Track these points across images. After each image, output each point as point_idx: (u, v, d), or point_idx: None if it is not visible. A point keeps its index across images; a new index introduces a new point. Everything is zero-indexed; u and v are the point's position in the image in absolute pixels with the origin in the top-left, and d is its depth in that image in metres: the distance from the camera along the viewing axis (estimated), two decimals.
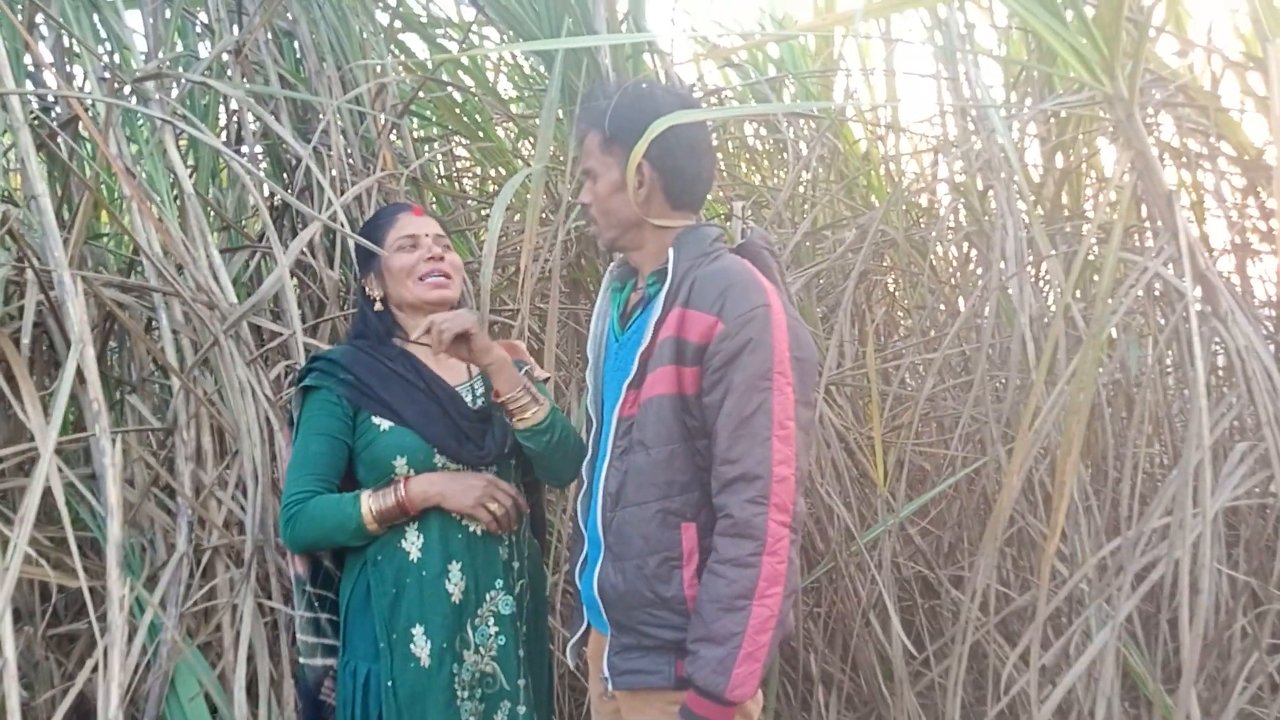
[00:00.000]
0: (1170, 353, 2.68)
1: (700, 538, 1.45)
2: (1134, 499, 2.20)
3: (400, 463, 1.67)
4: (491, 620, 1.71)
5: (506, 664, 1.71)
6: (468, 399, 1.77)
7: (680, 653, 1.44)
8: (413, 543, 1.67)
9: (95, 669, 1.63)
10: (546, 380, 1.88)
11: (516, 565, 1.76)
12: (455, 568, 1.68)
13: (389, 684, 1.63)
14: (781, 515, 1.38)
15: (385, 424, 1.69)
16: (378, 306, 1.79)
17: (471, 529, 1.70)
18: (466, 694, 1.66)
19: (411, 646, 1.64)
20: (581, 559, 1.63)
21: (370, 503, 1.63)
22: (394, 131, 2.68)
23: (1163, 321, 2.60)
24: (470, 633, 1.68)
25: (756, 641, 1.36)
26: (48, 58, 2.30)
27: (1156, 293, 2.46)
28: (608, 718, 1.64)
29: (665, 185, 1.53)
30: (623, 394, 1.50)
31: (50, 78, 2.21)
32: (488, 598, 1.71)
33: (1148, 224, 2.68)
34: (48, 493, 1.63)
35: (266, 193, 2.51)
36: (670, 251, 1.52)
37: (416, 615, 1.65)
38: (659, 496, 1.45)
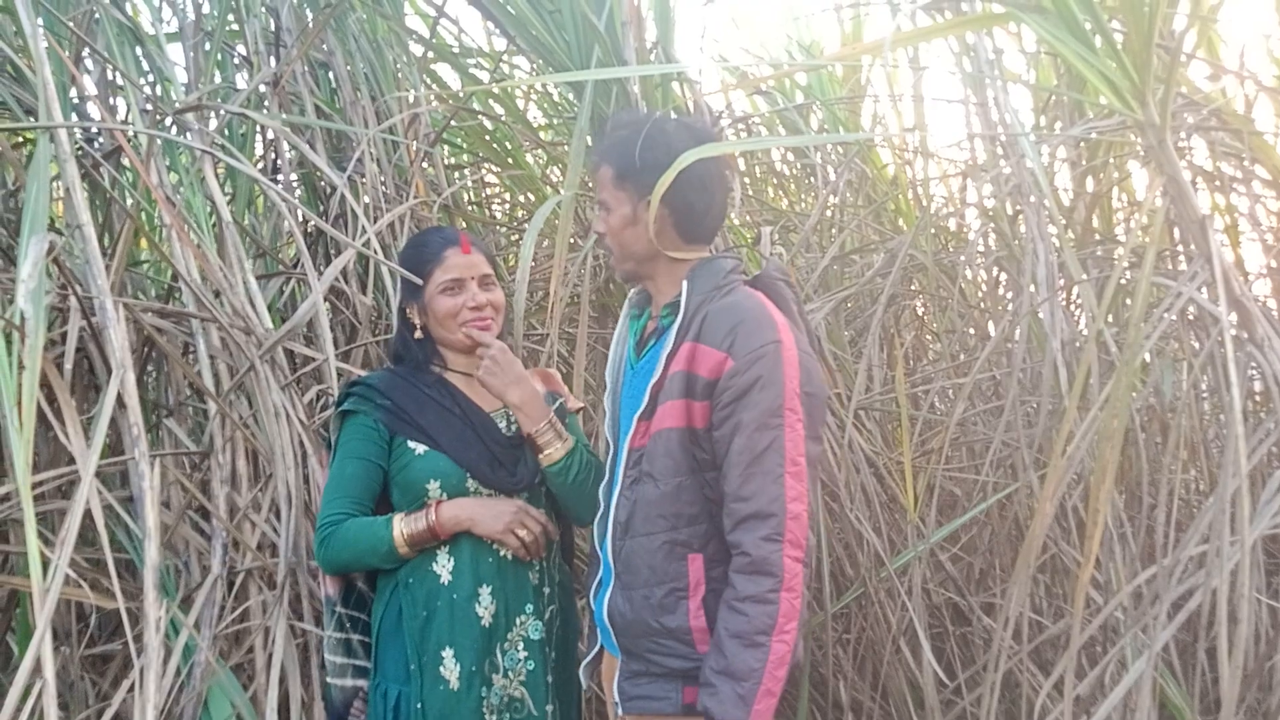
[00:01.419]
0: (1206, 378, 2.64)
1: (707, 569, 1.47)
2: (1170, 526, 2.17)
3: (434, 487, 1.69)
4: (521, 645, 1.71)
5: (534, 689, 1.71)
6: (501, 425, 1.79)
7: (687, 680, 1.45)
8: (444, 566, 1.69)
9: (130, 689, 1.65)
10: (579, 411, 1.89)
11: (547, 591, 1.77)
12: (486, 591, 1.69)
13: (418, 706, 1.64)
14: (796, 551, 1.40)
15: (420, 448, 1.71)
16: (418, 334, 1.81)
17: (502, 554, 1.72)
18: (495, 718, 1.67)
19: (441, 669, 1.65)
20: (596, 582, 1.65)
21: (402, 526, 1.65)
22: (426, 159, 2.73)
23: (1197, 346, 2.57)
24: (500, 657, 1.69)
25: (775, 676, 1.37)
26: (92, 90, 2.37)
27: (1191, 317, 2.44)
28: None
29: (676, 221, 1.55)
30: (634, 425, 1.52)
31: (94, 110, 2.27)
32: (518, 622, 1.72)
33: (1181, 248, 2.66)
34: (87, 515, 1.66)
35: (301, 220, 2.55)
36: (684, 284, 1.54)
37: (446, 638, 1.66)
38: (666, 528, 1.47)
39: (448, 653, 1.66)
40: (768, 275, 1.60)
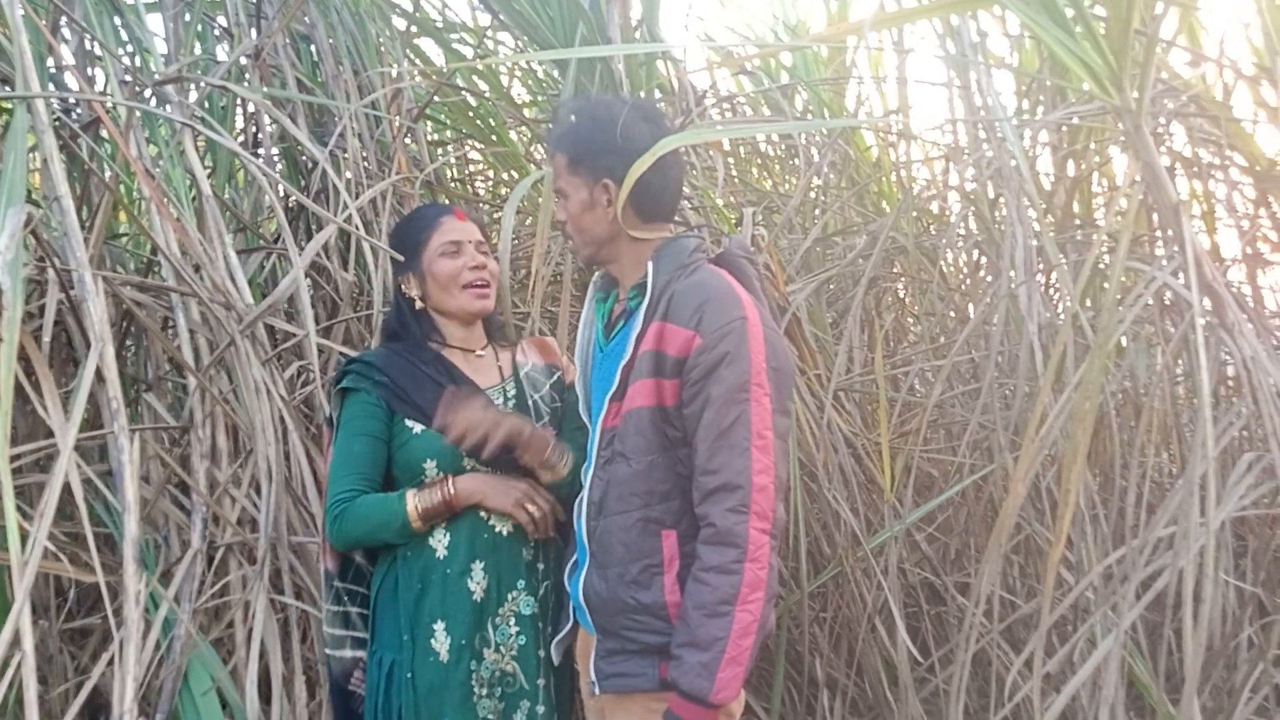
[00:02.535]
0: (1179, 362, 2.68)
1: (681, 544, 1.49)
2: (1141, 508, 2.20)
3: (430, 465, 1.71)
4: (513, 620, 1.73)
5: (526, 664, 1.73)
6: (499, 401, 1.80)
7: (663, 656, 1.47)
8: (440, 540, 1.71)
9: (110, 663, 1.66)
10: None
11: (541, 566, 1.79)
12: (478, 567, 1.71)
13: (408, 675, 1.67)
14: (762, 523, 1.42)
15: (418, 427, 1.72)
16: (418, 305, 1.82)
17: (498, 529, 1.74)
18: (485, 691, 1.69)
19: (432, 641, 1.68)
20: (571, 563, 1.67)
21: (415, 501, 1.67)
22: (409, 135, 2.71)
23: (1171, 330, 2.60)
24: (491, 631, 1.72)
25: (740, 646, 1.39)
26: (70, 60, 2.34)
27: (1166, 302, 2.47)
28: (595, 715, 1.67)
29: (633, 200, 1.55)
30: (605, 406, 1.54)
31: (73, 80, 2.24)
32: (509, 598, 1.74)
33: (1157, 233, 2.69)
34: (66, 488, 1.66)
35: (282, 194, 2.54)
36: (649, 265, 1.55)
37: (439, 611, 1.69)
38: (640, 506, 1.49)
39: (439, 625, 1.68)
40: (730, 253, 1.62)
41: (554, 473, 1.71)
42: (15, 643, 1.39)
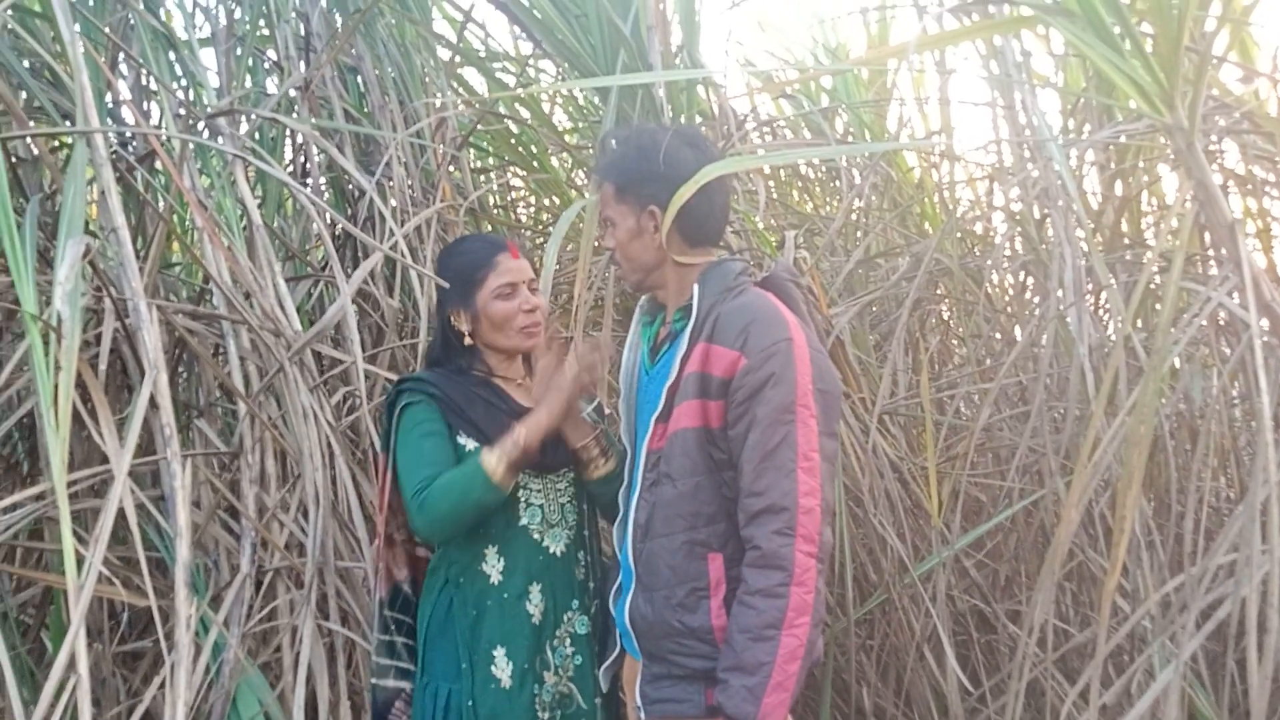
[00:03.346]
0: (1236, 384, 2.61)
1: (727, 568, 1.48)
2: (1199, 534, 2.14)
3: None
4: (569, 641, 1.74)
5: (583, 684, 1.74)
6: None
7: (709, 682, 1.46)
8: (494, 566, 1.71)
9: (161, 686, 1.68)
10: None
11: (592, 585, 1.80)
12: (535, 589, 1.72)
13: (469, 704, 1.66)
14: (808, 546, 1.40)
15: (470, 444, 1.73)
16: (467, 341, 1.83)
17: (552, 550, 1.75)
18: (548, 715, 1.69)
19: (493, 668, 1.67)
20: (615, 587, 1.66)
21: (488, 454, 1.63)
22: (453, 163, 2.75)
23: (1227, 352, 2.54)
24: (549, 653, 1.72)
25: (786, 671, 1.38)
26: (127, 95, 2.41)
27: (1221, 323, 2.41)
28: None
29: (679, 225, 1.56)
30: (651, 427, 1.54)
31: (129, 114, 2.31)
32: (565, 618, 1.74)
33: (1211, 253, 2.63)
34: (120, 513, 1.69)
35: (330, 223, 2.58)
36: (695, 288, 1.56)
37: (498, 637, 1.68)
38: (685, 528, 1.48)
39: (499, 651, 1.68)
40: (776, 276, 1.63)
41: (592, 466, 1.72)
42: (71, 665, 1.41)
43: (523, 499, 1.76)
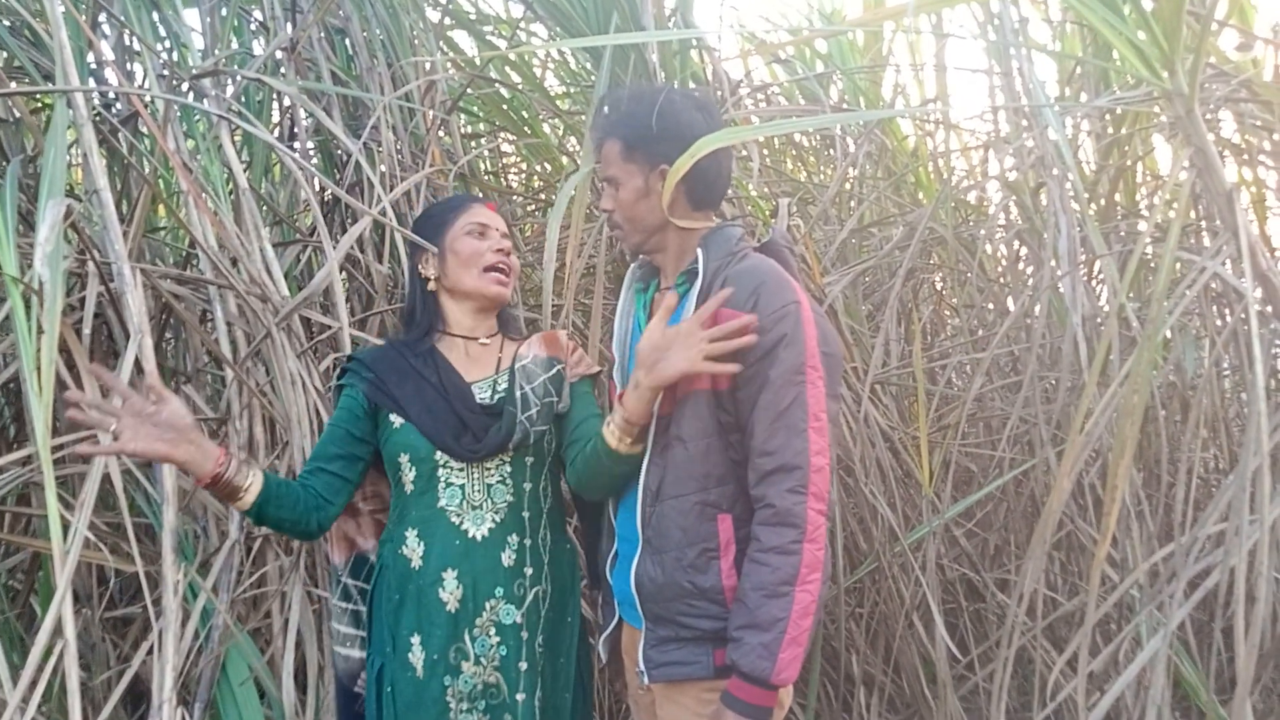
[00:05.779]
0: (1229, 355, 2.61)
1: (736, 529, 1.48)
2: (1188, 504, 2.15)
3: (405, 460, 1.69)
4: (493, 630, 1.66)
5: (508, 675, 1.67)
6: (486, 395, 1.74)
7: (718, 643, 1.46)
8: (414, 550, 1.67)
9: (150, 651, 1.67)
10: (599, 373, 1.88)
11: (529, 572, 1.70)
12: (450, 575, 1.65)
13: (389, 690, 1.64)
14: (819, 504, 1.42)
15: (398, 421, 1.70)
16: (431, 286, 1.81)
17: (471, 534, 1.67)
18: (466, 706, 1.63)
19: (410, 655, 1.64)
20: (612, 556, 1.65)
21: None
22: (442, 127, 2.71)
23: (1221, 323, 2.54)
24: (469, 643, 1.65)
25: (800, 626, 1.38)
26: (109, 55, 2.36)
27: (1215, 293, 2.41)
28: (646, 709, 1.65)
29: (687, 188, 1.56)
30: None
31: (112, 75, 2.26)
32: (487, 606, 1.66)
33: (1204, 223, 2.62)
34: (106, 479, 1.68)
35: (318, 187, 2.54)
36: (699, 251, 1.55)
37: (414, 624, 1.65)
38: (697, 489, 1.49)
39: (415, 639, 1.64)
40: (775, 243, 1.62)
41: (628, 439, 1.53)
42: (58, 630, 1.41)
43: (442, 478, 1.68)
